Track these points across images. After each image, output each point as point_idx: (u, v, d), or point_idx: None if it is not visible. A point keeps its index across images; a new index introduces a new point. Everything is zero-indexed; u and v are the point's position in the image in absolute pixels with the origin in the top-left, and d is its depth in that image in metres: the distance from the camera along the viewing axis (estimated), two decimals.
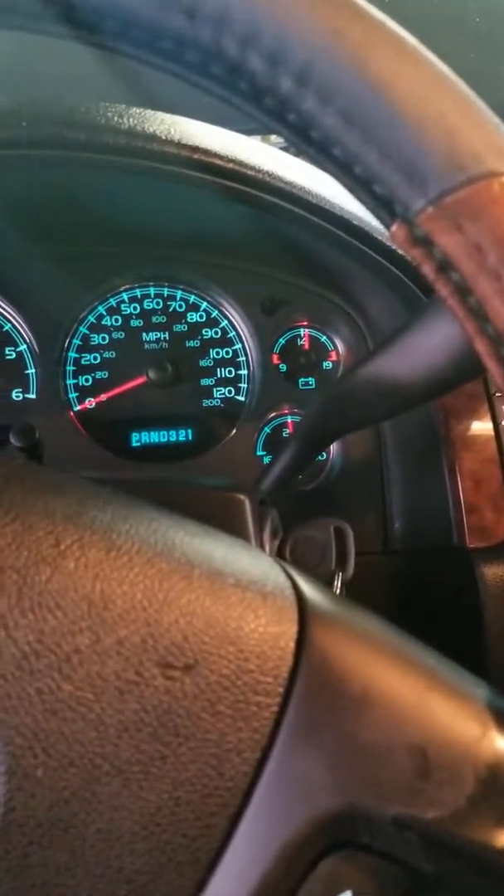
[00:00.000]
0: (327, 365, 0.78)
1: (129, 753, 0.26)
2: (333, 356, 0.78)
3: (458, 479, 0.62)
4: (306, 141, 0.27)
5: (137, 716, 0.26)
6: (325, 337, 0.77)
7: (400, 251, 0.55)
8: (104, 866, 0.26)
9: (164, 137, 0.47)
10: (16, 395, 0.73)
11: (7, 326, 0.72)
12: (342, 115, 0.25)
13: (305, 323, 0.77)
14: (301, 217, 0.51)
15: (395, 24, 0.25)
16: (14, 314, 0.72)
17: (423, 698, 0.28)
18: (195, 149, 0.48)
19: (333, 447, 0.76)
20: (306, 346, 0.77)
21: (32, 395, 0.73)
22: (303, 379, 0.77)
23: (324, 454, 0.76)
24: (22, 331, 0.72)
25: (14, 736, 0.25)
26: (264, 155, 0.51)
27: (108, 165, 0.47)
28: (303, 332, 0.77)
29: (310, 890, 0.27)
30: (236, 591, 0.29)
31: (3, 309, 0.72)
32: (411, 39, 0.25)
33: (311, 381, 0.77)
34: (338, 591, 0.52)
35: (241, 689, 0.27)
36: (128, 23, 0.26)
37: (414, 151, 0.24)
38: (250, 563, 0.31)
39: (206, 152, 0.48)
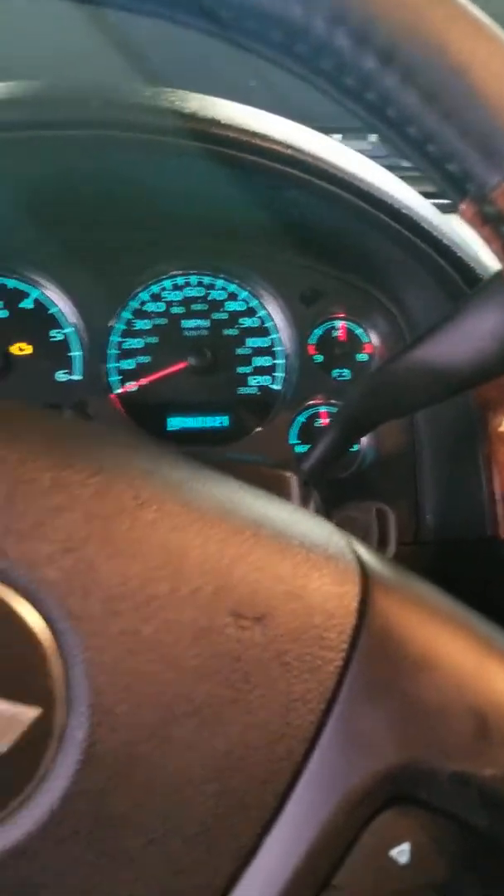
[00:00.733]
0: (362, 357, 0.79)
1: (202, 696, 0.28)
2: (368, 348, 0.79)
3: (494, 471, 0.63)
4: (382, 119, 0.28)
5: (211, 661, 0.28)
6: (360, 329, 0.79)
7: (448, 240, 0.56)
8: (177, 802, 0.27)
9: (224, 122, 0.49)
10: (60, 376, 0.75)
11: (54, 309, 0.74)
12: (422, 93, 0.26)
13: (342, 315, 0.78)
14: (352, 204, 0.52)
15: (473, 5, 0.27)
16: (62, 297, 0.73)
17: (482, 663, 0.30)
18: (255, 134, 0.49)
19: (366, 438, 0.77)
20: (342, 338, 0.79)
21: (77, 377, 0.75)
22: (337, 370, 0.79)
23: (356, 445, 0.77)
24: (69, 314, 0.74)
25: (98, 672, 0.27)
26: (318, 141, 0.53)
27: (168, 149, 0.48)
28: (339, 323, 0.78)
29: (368, 840, 0.28)
30: (301, 550, 0.30)
31: (52, 293, 0.74)
32: (488, 20, 0.26)
33: (346, 372, 0.79)
34: None
35: (306, 643, 0.29)
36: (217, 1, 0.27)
37: (491, 129, 0.26)
38: (313, 526, 0.32)
39: (265, 138, 0.49)
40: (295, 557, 0.30)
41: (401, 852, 0.28)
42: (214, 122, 0.49)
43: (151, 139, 0.48)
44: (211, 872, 0.27)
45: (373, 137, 1.08)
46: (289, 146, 0.50)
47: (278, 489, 0.47)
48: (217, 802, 0.27)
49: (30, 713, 0.27)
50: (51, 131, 0.49)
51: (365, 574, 0.31)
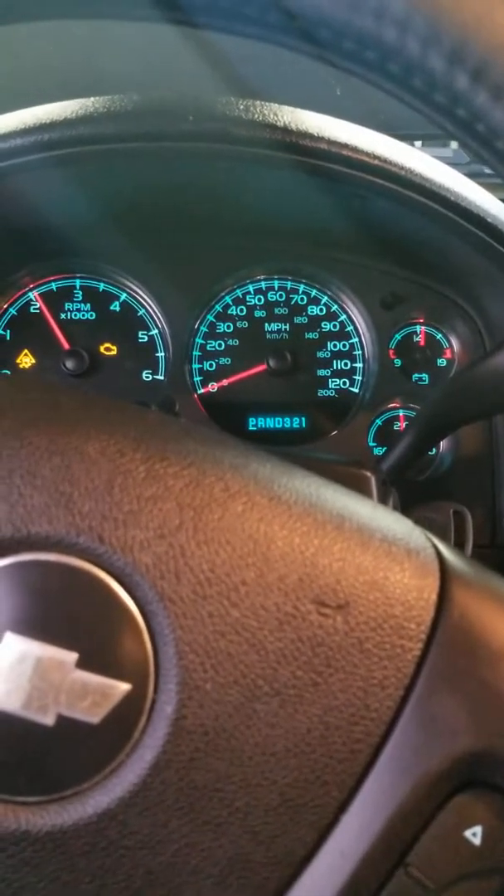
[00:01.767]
0: (441, 362, 0.79)
1: (285, 677, 0.29)
2: (448, 354, 0.79)
3: None
4: (470, 134, 0.29)
5: (294, 645, 0.29)
6: (440, 335, 0.79)
7: None
8: (260, 776, 0.29)
9: (316, 134, 0.50)
10: (146, 375, 0.78)
11: (141, 312, 0.77)
12: None
13: (422, 320, 0.79)
14: (437, 213, 0.53)
15: None
16: (149, 300, 0.76)
17: None
18: (345, 145, 0.51)
19: (443, 442, 0.78)
20: (422, 343, 0.79)
21: (161, 377, 0.78)
22: (416, 374, 0.79)
23: (434, 448, 0.78)
24: (155, 316, 0.77)
25: (188, 651, 0.29)
26: (405, 152, 0.54)
27: (261, 160, 0.50)
28: (419, 328, 0.79)
29: (443, 821, 0.29)
30: (383, 544, 0.32)
31: (139, 295, 0.76)
32: None
33: (425, 376, 0.79)
34: None
35: (386, 632, 0.30)
36: (316, 22, 0.29)
37: None
38: (393, 522, 0.34)
39: (355, 149, 0.51)
40: (377, 550, 0.31)
41: (474, 834, 0.29)
42: (307, 135, 0.50)
43: (246, 151, 0.50)
44: (290, 843, 0.29)
45: (454, 145, 1.08)
46: (377, 157, 0.51)
47: (358, 487, 0.48)
48: (298, 777, 0.29)
49: (122, 688, 0.29)
50: (151, 143, 0.51)
51: (444, 568, 0.32)
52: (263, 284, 0.79)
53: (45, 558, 0.29)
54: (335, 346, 0.79)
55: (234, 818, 0.29)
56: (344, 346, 0.79)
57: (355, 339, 0.79)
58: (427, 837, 0.29)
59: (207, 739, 0.29)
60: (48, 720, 0.28)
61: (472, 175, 0.64)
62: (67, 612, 0.29)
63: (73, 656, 0.29)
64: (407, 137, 0.61)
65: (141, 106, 0.54)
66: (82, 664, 0.29)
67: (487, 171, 0.92)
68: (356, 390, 0.79)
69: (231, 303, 0.78)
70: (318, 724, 0.29)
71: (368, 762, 0.29)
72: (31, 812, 0.28)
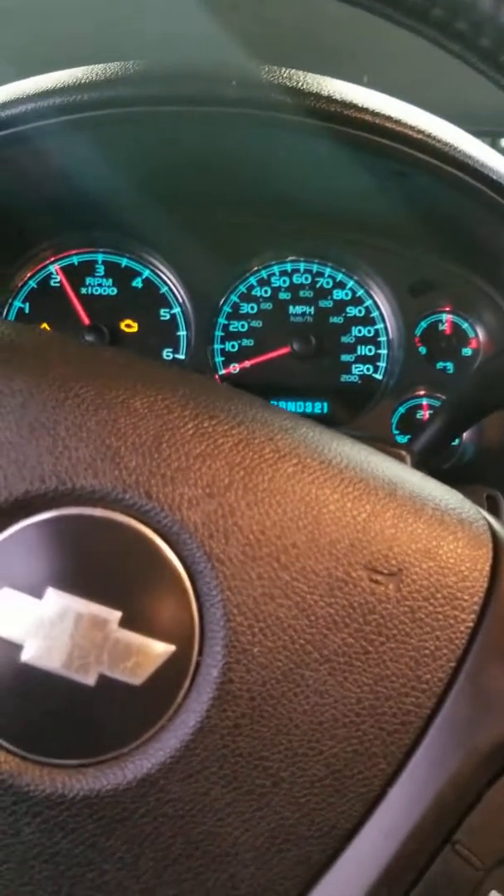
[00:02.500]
0: (467, 351, 0.78)
1: (335, 644, 0.28)
2: (474, 343, 0.78)
3: None
4: None
5: (345, 611, 0.28)
6: (467, 324, 0.78)
7: None
8: (306, 746, 0.28)
9: (361, 105, 0.49)
10: (167, 354, 0.76)
11: (164, 289, 0.76)
12: None
13: (449, 308, 0.77)
14: (481, 193, 0.52)
15: None
16: (172, 278, 0.75)
17: None
18: (388, 118, 0.50)
19: (467, 432, 0.77)
20: (448, 331, 0.78)
21: (182, 356, 0.76)
22: (441, 363, 0.78)
23: (457, 438, 0.77)
24: (178, 294, 0.76)
25: (235, 614, 0.28)
26: (450, 129, 0.53)
27: (304, 129, 0.49)
28: (445, 317, 0.78)
29: (492, 798, 0.28)
30: (436, 512, 0.31)
31: (163, 273, 0.75)
32: None
33: (450, 365, 0.78)
34: None
35: (439, 601, 0.29)
36: None
37: None
38: (445, 492, 0.33)
39: (399, 122, 0.50)
40: (429, 519, 0.30)
41: None
42: (351, 105, 0.49)
43: (290, 119, 0.49)
44: (336, 816, 0.28)
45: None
46: (420, 131, 0.50)
47: None
48: (345, 748, 0.28)
49: (166, 649, 0.28)
50: (194, 107, 0.50)
51: (497, 540, 0.31)
52: (289, 266, 0.77)
53: (90, 513, 0.28)
54: (360, 331, 0.78)
55: (279, 788, 0.28)
56: (369, 331, 0.78)
57: (380, 325, 0.78)
58: (476, 815, 0.28)
59: (253, 705, 0.28)
60: (89, 680, 0.27)
61: None
62: (112, 570, 0.28)
63: (116, 615, 0.27)
64: None
65: (182, 69, 0.52)
66: (126, 623, 0.27)
67: None
68: (379, 377, 0.78)
69: (256, 284, 0.77)
70: (367, 693, 0.28)
71: (418, 735, 0.28)
72: (67, 775, 0.27)
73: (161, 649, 0.28)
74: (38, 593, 0.27)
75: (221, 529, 0.28)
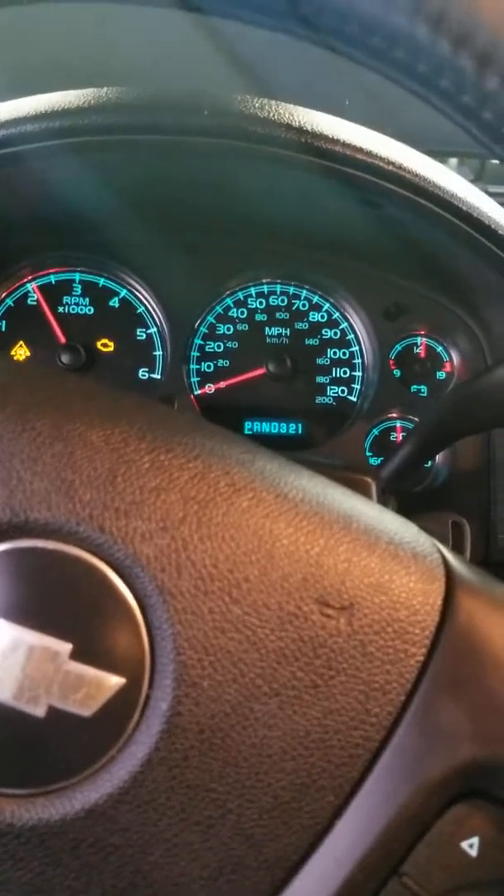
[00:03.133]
0: (441, 375, 0.79)
1: (285, 678, 0.28)
2: (448, 367, 0.79)
3: None
4: (496, 139, 0.29)
5: (295, 645, 0.29)
6: (441, 347, 0.79)
7: None
8: (254, 778, 0.28)
9: (332, 136, 0.50)
10: (142, 374, 0.77)
11: (140, 309, 0.76)
12: None
13: (424, 332, 0.78)
14: (451, 223, 0.53)
15: None
16: (149, 298, 0.75)
17: None
18: (360, 149, 0.50)
19: (440, 455, 0.77)
20: (422, 355, 0.79)
21: (157, 376, 0.77)
22: (416, 386, 0.79)
23: (430, 461, 0.77)
24: (154, 314, 0.76)
25: (186, 647, 0.28)
26: (420, 160, 0.53)
27: (275, 160, 0.50)
28: (420, 340, 0.79)
29: (439, 830, 0.29)
30: (390, 546, 0.31)
31: (140, 293, 0.76)
32: None
33: (424, 388, 0.79)
34: None
35: (390, 635, 0.29)
36: (345, 18, 0.28)
37: None
38: (400, 526, 0.33)
39: (370, 154, 0.50)
40: (383, 552, 0.31)
41: (471, 845, 0.28)
42: (323, 136, 0.50)
43: (260, 149, 0.50)
44: (283, 847, 0.28)
45: (453, 161, 1.08)
46: (391, 163, 0.51)
47: (359, 493, 0.48)
48: (293, 780, 0.28)
49: (116, 681, 0.28)
50: (165, 136, 0.51)
51: (450, 574, 0.31)
52: (266, 288, 0.78)
53: (44, 545, 0.28)
54: (335, 353, 0.79)
55: (227, 820, 0.28)
56: (344, 353, 0.79)
57: (355, 348, 0.79)
58: (423, 847, 0.28)
59: (202, 738, 0.28)
60: (39, 711, 0.27)
61: None
62: (64, 602, 0.28)
63: (67, 647, 0.28)
64: None
65: (156, 98, 0.53)
66: (77, 655, 0.28)
67: (490, 189, 0.92)
68: (354, 399, 0.79)
69: (232, 305, 0.78)
70: (316, 726, 0.28)
71: (366, 768, 0.29)
72: (17, 805, 0.28)
73: (111, 681, 0.28)
74: None
75: (174, 563, 0.29)
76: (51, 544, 0.28)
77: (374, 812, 0.28)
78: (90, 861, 0.28)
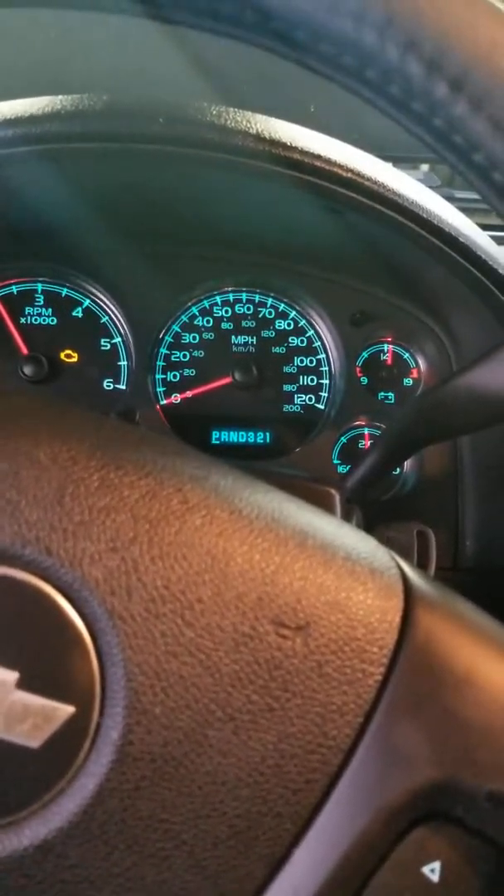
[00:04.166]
0: (408, 381, 0.79)
1: (240, 702, 0.28)
2: (415, 373, 0.79)
3: None
4: (447, 146, 0.28)
5: (250, 667, 0.28)
6: (408, 354, 0.79)
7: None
8: (209, 807, 0.27)
9: (289, 144, 0.49)
10: (107, 384, 0.76)
11: (104, 319, 0.75)
12: (492, 121, 0.26)
13: (390, 339, 0.78)
14: (410, 230, 0.52)
15: None
16: (113, 308, 0.75)
17: None
18: (317, 156, 0.50)
19: (408, 462, 0.77)
20: (389, 362, 0.79)
21: (122, 386, 0.76)
22: (383, 393, 0.79)
23: (398, 468, 0.77)
24: (119, 324, 0.75)
25: (137, 673, 0.27)
26: (379, 167, 0.53)
27: (231, 167, 0.49)
28: (387, 347, 0.79)
29: (400, 856, 0.28)
30: (346, 563, 0.30)
31: (103, 302, 0.75)
32: None
33: (391, 395, 0.79)
34: None
35: (347, 655, 0.29)
36: (293, 24, 0.28)
37: None
38: (358, 540, 0.32)
39: (328, 161, 0.50)
40: (339, 569, 0.30)
41: (432, 870, 0.28)
42: (279, 144, 0.50)
43: (215, 157, 0.49)
44: (240, 878, 0.27)
45: (425, 167, 1.08)
46: (349, 170, 0.50)
47: (322, 505, 0.47)
48: (249, 809, 0.27)
49: (65, 710, 0.27)
50: (117, 144, 0.50)
51: (408, 590, 0.31)
52: (231, 296, 0.77)
53: None
54: (302, 361, 0.78)
55: (181, 851, 0.27)
56: (311, 361, 0.78)
57: (322, 356, 0.78)
58: (384, 873, 0.28)
59: (154, 767, 0.27)
60: None
61: (444, 199, 0.64)
62: (9, 628, 0.27)
63: (13, 675, 0.27)
64: (379, 158, 0.61)
65: (112, 106, 0.52)
66: (23, 684, 0.27)
67: (458, 195, 0.92)
68: (322, 407, 0.79)
69: (198, 313, 0.77)
70: (272, 752, 0.28)
71: (324, 793, 0.28)
72: None
73: (60, 711, 0.27)
74: None
75: (124, 585, 0.28)
76: None
77: (333, 839, 0.28)
78: None
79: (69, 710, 0.27)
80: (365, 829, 0.28)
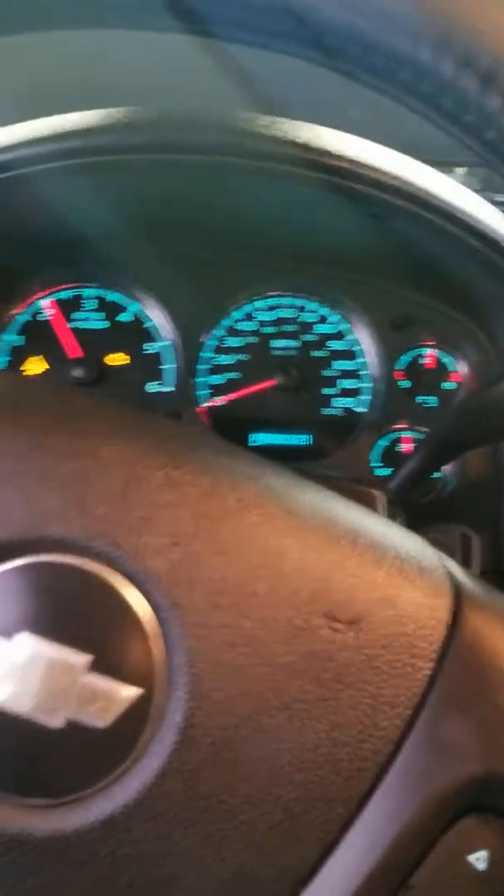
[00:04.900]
0: (448, 385, 0.80)
1: (294, 691, 0.29)
2: (456, 377, 0.79)
3: None
4: (500, 157, 0.29)
5: (304, 659, 0.29)
6: (449, 358, 0.79)
7: None
8: (265, 790, 0.29)
9: (336, 153, 0.51)
10: (151, 387, 0.78)
11: (151, 323, 0.77)
12: None
13: (432, 343, 0.79)
14: (456, 235, 0.53)
15: None
16: (159, 312, 0.76)
17: None
18: (364, 165, 0.51)
19: (449, 465, 0.78)
20: (430, 366, 0.79)
21: (167, 389, 0.78)
22: (423, 397, 0.79)
23: (438, 472, 0.78)
24: (165, 328, 0.77)
25: (199, 660, 0.29)
26: (424, 173, 0.54)
27: (281, 176, 0.51)
28: (428, 351, 0.79)
29: (447, 844, 0.29)
30: (396, 561, 0.32)
31: (150, 307, 0.77)
32: None
33: (432, 399, 0.79)
34: None
35: (397, 650, 0.30)
36: (348, 40, 0.29)
37: None
38: (406, 540, 0.34)
39: (374, 169, 0.51)
40: (390, 567, 0.31)
41: (479, 859, 0.29)
42: (327, 153, 0.51)
43: (267, 166, 0.51)
44: (293, 859, 0.29)
45: (460, 170, 1.09)
46: (396, 177, 0.52)
47: (366, 506, 0.48)
48: (304, 793, 0.29)
49: (131, 693, 0.29)
50: (171, 155, 0.52)
51: (456, 589, 0.32)
52: (274, 301, 0.79)
53: (60, 560, 0.29)
54: (342, 364, 0.79)
55: (238, 831, 0.28)
56: (351, 365, 0.80)
57: (363, 359, 0.79)
58: (431, 860, 0.29)
59: (214, 750, 0.28)
60: (56, 723, 0.28)
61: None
62: (80, 615, 0.29)
63: (84, 659, 0.28)
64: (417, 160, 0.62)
65: (163, 117, 0.54)
66: (93, 668, 0.28)
67: (497, 198, 0.93)
68: (362, 410, 0.79)
69: (241, 317, 0.79)
70: (325, 739, 0.29)
71: (374, 781, 0.29)
72: (33, 815, 0.28)
73: (127, 693, 0.28)
74: (8, 638, 0.28)
75: (186, 578, 0.29)
76: (67, 559, 0.29)
77: (382, 825, 0.29)
78: (104, 872, 0.28)
79: (135, 692, 0.28)
80: (413, 817, 0.29)
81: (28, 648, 0.28)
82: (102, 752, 0.28)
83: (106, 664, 0.29)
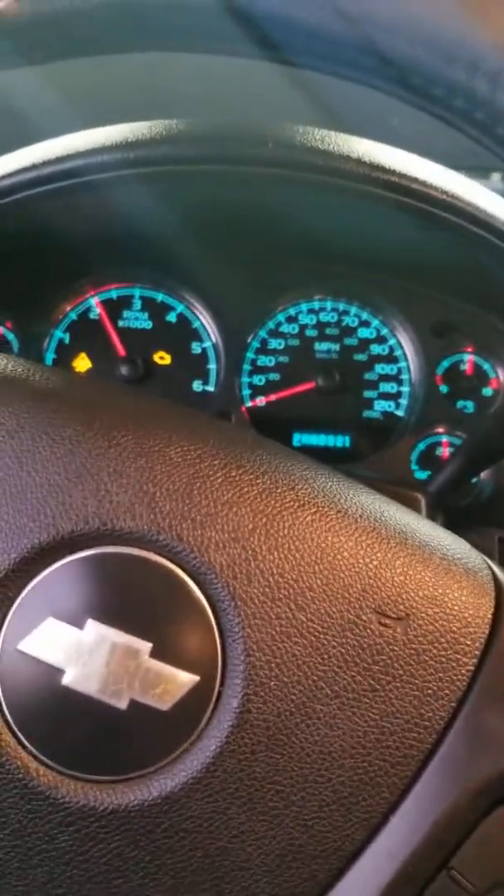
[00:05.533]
0: (487, 391, 0.81)
1: (345, 682, 0.31)
2: (494, 384, 0.81)
3: None
4: None
5: (355, 651, 0.31)
6: (488, 364, 0.80)
7: None
8: (316, 773, 0.30)
9: (388, 167, 0.52)
10: (196, 386, 0.80)
11: (196, 324, 0.79)
12: None
13: (471, 349, 0.80)
14: (499, 249, 0.55)
15: None
16: (205, 313, 0.78)
17: None
18: (414, 179, 0.53)
19: (485, 471, 0.79)
20: (469, 371, 0.81)
21: (211, 388, 0.80)
22: (462, 402, 0.81)
23: (475, 478, 0.79)
24: (210, 329, 0.79)
25: (255, 650, 0.31)
26: (470, 187, 0.56)
27: (333, 189, 0.52)
28: (467, 357, 0.80)
29: (486, 829, 0.31)
30: (443, 561, 0.33)
31: (196, 308, 0.79)
32: None
33: (470, 404, 0.81)
34: None
35: (443, 645, 0.32)
36: (412, 72, 0.31)
37: None
38: (452, 542, 0.35)
39: (425, 184, 0.53)
40: (437, 567, 0.33)
41: None
42: (380, 167, 0.53)
43: (321, 179, 0.52)
44: (341, 839, 0.30)
45: (496, 176, 1.10)
46: (444, 192, 0.53)
47: (409, 508, 0.50)
48: (352, 777, 0.30)
49: (191, 678, 0.31)
50: (230, 167, 0.54)
51: (500, 589, 0.33)
52: (317, 304, 0.80)
53: (128, 552, 0.31)
54: (383, 368, 0.81)
55: (290, 811, 0.30)
56: (392, 369, 0.81)
57: (403, 364, 0.81)
58: (470, 843, 0.30)
59: (269, 734, 0.30)
60: (121, 704, 0.30)
61: None
62: (145, 604, 0.31)
63: (147, 646, 0.30)
64: (454, 169, 0.63)
65: (222, 130, 0.56)
66: (156, 654, 0.30)
67: None
68: (401, 414, 0.81)
69: (284, 320, 0.80)
70: (373, 728, 0.31)
71: (419, 768, 0.31)
72: (99, 790, 0.30)
73: (187, 679, 0.31)
74: (79, 624, 0.31)
75: (244, 571, 0.31)
76: (134, 551, 0.31)
77: (425, 809, 0.31)
78: (163, 844, 0.30)
79: (195, 678, 0.30)
80: (454, 803, 0.31)
81: (96, 634, 0.31)
82: (164, 732, 0.31)
83: (167, 651, 0.31)
